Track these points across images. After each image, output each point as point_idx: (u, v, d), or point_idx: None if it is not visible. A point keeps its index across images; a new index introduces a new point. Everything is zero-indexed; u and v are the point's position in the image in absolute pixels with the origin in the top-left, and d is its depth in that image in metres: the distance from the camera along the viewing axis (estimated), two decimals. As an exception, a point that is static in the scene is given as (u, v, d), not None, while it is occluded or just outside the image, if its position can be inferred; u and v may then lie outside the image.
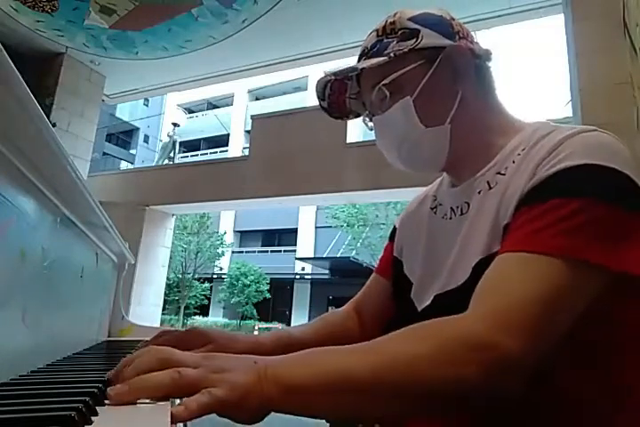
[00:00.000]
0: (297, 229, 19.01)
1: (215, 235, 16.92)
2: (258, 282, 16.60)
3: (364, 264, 13.82)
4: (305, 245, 18.62)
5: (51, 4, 4.73)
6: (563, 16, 4.00)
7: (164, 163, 9.94)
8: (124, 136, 23.40)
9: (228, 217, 19.64)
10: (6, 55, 0.46)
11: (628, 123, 3.27)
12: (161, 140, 17.27)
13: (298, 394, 0.43)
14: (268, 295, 16.79)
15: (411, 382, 0.45)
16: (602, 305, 0.50)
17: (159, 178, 6.71)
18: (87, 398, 0.42)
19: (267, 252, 20.05)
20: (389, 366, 0.45)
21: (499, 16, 4.99)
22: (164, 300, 7.87)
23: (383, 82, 0.65)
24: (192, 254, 15.97)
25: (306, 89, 18.52)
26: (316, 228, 18.53)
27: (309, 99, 15.55)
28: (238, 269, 16.74)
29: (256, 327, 14.68)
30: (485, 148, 0.66)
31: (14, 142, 0.59)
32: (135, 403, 0.42)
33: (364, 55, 0.68)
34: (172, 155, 10.39)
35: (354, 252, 15.34)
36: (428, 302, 0.66)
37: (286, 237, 19.47)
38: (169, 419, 0.38)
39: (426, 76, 0.64)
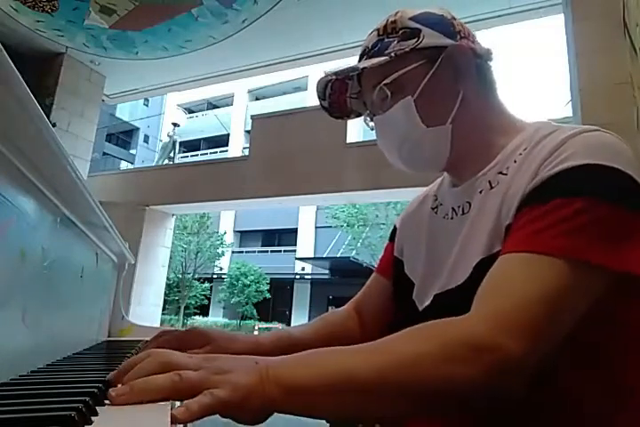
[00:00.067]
0: (297, 229, 19.01)
1: (215, 235, 16.92)
2: (258, 282, 16.60)
3: (364, 264, 13.82)
4: (305, 245, 18.62)
5: (51, 4, 4.73)
6: (563, 16, 4.00)
7: (164, 163, 9.94)
8: (124, 136, 23.40)
9: (228, 217, 19.64)
10: (6, 55, 0.45)
11: (628, 123, 3.27)
12: (161, 140, 17.27)
13: (300, 395, 0.43)
14: (268, 295, 16.79)
15: (414, 382, 0.45)
16: (605, 306, 0.50)
17: (159, 178, 6.71)
18: (87, 398, 0.41)
19: (267, 252, 20.05)
20: (394, 366, 0.45)
21: (499, 16, 4.99)
22: (164, 300, 7.87)
23: (384, 81, 0.65)
24: (192, 254, 15.97)
25: (306, 89, 18.52)
26: (316, 228, 18.53)
27: (309, 99, 15.56)
28: (238, 269, 16.74)
29: (256, 327, 14.68)
30: (487, 147, 0.66)
31: (14, 142, 0.58)
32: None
33: (365, 55, 0.68)
34: (172, 155, 10.39)
35: (354, 252, 15.34)
36: (428, 302, 0.66)
37: (286, 237, 19.47)
38: (169, 419, 0.38)
39: (427, 75, 0.64)
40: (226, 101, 22.09)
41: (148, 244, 6.41)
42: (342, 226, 15.22)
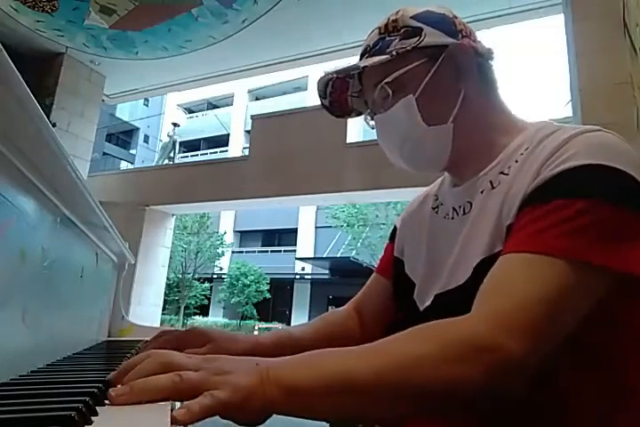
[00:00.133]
0: (297, 229, 19.02)
1: (215, 235, 16.93)
2: (258, 282, 16.61)
3: (364, 264, 13.83)
4: (305, 245, 18.63)
5: (51, 4, 4.73)
6: (563, 16, 4.00)
7: (164, 163, 9.94)
8: (124, 136, 23.41)
9: (228, 217, 19.65)
10: (6, 55, 0.45)
11: (628, 123, 3.27)
12: (161, 140, 17.28)
13: (300, 396, 0.43)
14: (268, 295, 16.79)
15: (414, 383, 0.44)
16: (606, 306, 0.50)
17: (159, 178, 6.71)
18: (87, 398, 0.41)
19: (267, 252, 20.06)
20: (393, 367, 0.45)
21: (499, 16, 4.99)
22: (164, 300, 7.87)
23: (385, 80, 0.64)
24: (192, 254, 15.98)
25: (306, 89, 18.52)
26: (316, 228, 18.54)
27: (309, 99, 15.58)
28: (238, 269, 16.75)
29: (256, 327, 14.68)
30: (488, 147, 0.65)
31: (14, 142, 0.58)
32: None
33: (367, 53, 0.68)
34: (172, 155, 10.39)
35: (354, 252, 15.34)
36: (428, 303, 0.66)
37: (286, 237, 19.47)
38: (169, 419, 0.38)
39: (428, 74, 0.64)
40: (226, 101, 22.10)
41: (147, 244, 6.41)
42: (342, 226, 15.22)
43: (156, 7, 4.71)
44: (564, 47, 3.86)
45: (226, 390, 0.41)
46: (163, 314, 9.49)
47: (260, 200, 6.00)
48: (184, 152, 20.75)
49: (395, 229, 0.84)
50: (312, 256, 17.58)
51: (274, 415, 0.44)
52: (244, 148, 16.82)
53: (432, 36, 0.64)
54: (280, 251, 19.51)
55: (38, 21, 5.10)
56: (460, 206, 0.66)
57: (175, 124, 11.42)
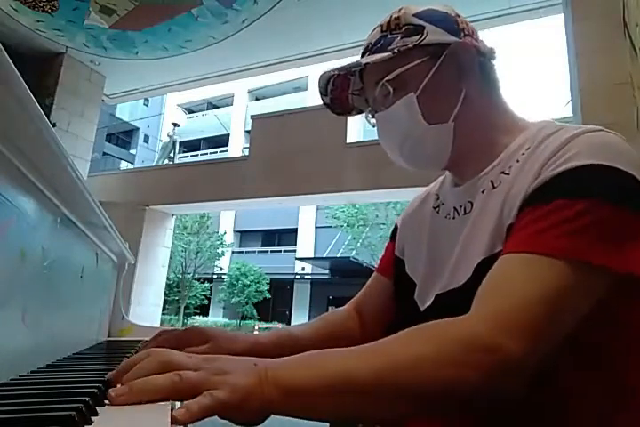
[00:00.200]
0: (297, 229, 19.02)
1: (215, 235, 16.92)
2: (258, 282, 16.60)
3: (364, 264, 13.83)
4: (305, 245, 18.62)
5: (51, 4, 4.73)
6: (563, 16, 4.00)
7: (164, 163, 9.94)
8: (124, 136, 23.40)
9: (228, 217, 19.64)
10: (6, 55, 0.45)
11: (628, 123, 3.27)
12: (161, 140, 17.28)
13: (298, 396, 0.43)
14: (268, 295, 16.79)
15: (413, 383, 0.44)
16: (607, 306, 0.50)
17: (159, 178, 6.71)
18: (87, 398, 0.41)
19: (267, 252, 20.06)
20: (392, 367, 0.45)
21: (499, 16, 4.99)
22: (164, 300, 7.87)
23: (387, 78, 0.64)
24: (192, 254, 15.97)
25: (306, 89, 18.53)
26: (316, 228, 18.53)
27: (309, 99, 15.59)
28: (238, 269, 16.74)
29: (256, 327, 14.68)
30: (489, 146, 0.65)
31: (14, 142, 0.58)
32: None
33: (368, 51, 0.68)
34: (172, 155, 10.39)
35: (354, 252, 15.34)
36: (429, 303, 0.65)
37: (286, 237, 19.47)
38: (169, 419, 0.38)
39: (430, 72, 0.64)
40: (226, 101, 22.09)
41: (148, 244, 6.41)
42: (342, 226, 15.22)
43: (156, 7, 4.70)
44: (563, 47, 3.86)
45: (225, 389, 0.41)
46: (163, 314, 9.49)
47: (259, 200, 6.00)
48: (184, 152, 20.75)
49: (395, 228, 0.83)
50: (312, 256, 17.57)
51: (272, 416, 0.44)
52: (244, 148, 16.81)
53: (434, 35, 0.64)
54: (280, 251, 19.50)
55: (38, 21, 5.10)
56: (460, 206, 0.66)
57: (175, 124, 11.41)
